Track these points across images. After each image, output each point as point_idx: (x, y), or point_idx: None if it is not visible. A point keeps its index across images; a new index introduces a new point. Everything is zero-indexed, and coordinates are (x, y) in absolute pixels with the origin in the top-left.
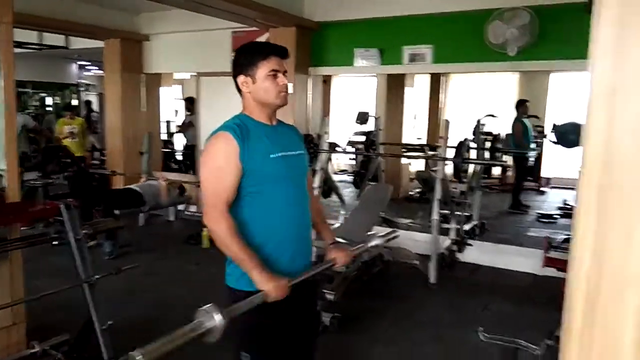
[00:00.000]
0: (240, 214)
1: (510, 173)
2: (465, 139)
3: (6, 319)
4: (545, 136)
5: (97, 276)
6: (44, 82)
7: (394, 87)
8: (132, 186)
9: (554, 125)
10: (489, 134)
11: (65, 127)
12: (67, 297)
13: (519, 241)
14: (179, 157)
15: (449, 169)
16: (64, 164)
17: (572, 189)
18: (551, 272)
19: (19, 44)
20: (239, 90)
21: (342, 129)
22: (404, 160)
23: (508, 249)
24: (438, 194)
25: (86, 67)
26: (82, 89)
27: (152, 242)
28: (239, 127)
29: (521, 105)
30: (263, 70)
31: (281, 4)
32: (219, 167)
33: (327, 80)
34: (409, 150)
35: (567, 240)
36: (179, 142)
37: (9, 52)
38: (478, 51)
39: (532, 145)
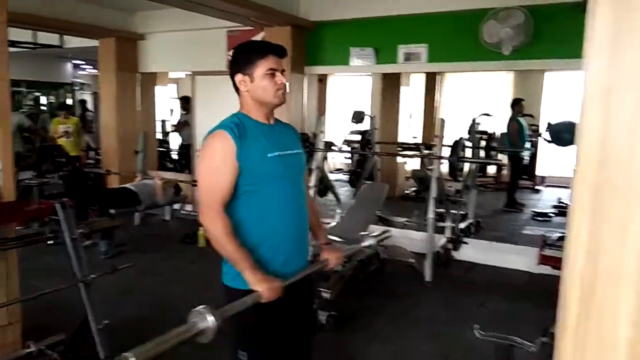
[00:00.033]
0: (237, 212)
1: (505, 172)
2: (461, 138)
3: (2, 318)
4: (540, 135)
5: (93, 275)
6: (38, 81)
7: (390, 86)
8: (127, 185)
9: (549, 124)
10: (484, 132)
11: (60, 126)
12: (62, 296)
13: (514, 239)
14: (175, 156)
15: (445, 167)
16: (59, 163)
17: (566, 187)
18: (546, 269)
19: (13, 43)
20: (237, 89)
21: (338, 128)
22: (399, 159)
23: (503, 247)
24: (434, 192)
25: (81, 67)
26: (76, 88)
27: (147, 242)
28: (237, 125)
29: (516, 104)
30: (261, 69)
31: (277, 3)
32: (216, 166)
33: (322, 79)
34: (405, 149)
35: (561, 238)
36: (175, 141)
37: (3, 51)
38: (473, 50)
39: (527, 145)
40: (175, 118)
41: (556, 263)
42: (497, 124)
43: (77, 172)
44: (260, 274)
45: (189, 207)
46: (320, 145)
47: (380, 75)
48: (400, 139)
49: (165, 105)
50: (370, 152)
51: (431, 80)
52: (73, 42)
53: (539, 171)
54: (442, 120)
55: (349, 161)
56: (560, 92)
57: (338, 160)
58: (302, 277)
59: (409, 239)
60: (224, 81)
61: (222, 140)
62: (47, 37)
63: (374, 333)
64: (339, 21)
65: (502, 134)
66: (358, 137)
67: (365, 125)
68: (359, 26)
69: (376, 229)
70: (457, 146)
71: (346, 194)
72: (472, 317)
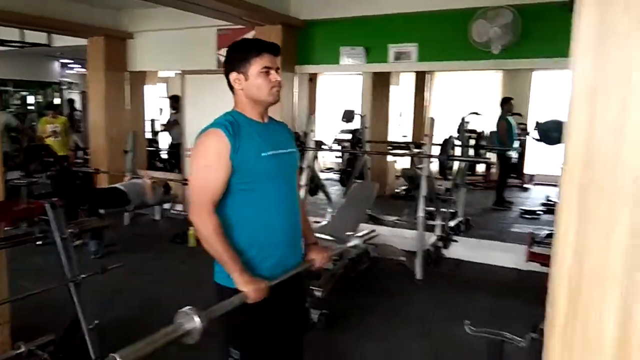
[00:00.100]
0: (229, 211)
1: (494, 170)
2: (450, 137)
3: None
4: (528, 133)
5: (83, 275)
6: (25, 80)
7: (380, 85)
8: (116, 185)
9: (537, 122)
10: (474, 131)
11: (47, 125)
12: (51, 297)
13: (502, 237)
14: (164, 155)
15: (435, 166)
16: (47, 163)
17: (554, 185)
18: (535, 266)
19: (0, 42)
20: (231, 88)
21: (328, 127)
22: (389, 158)
23: (492, 244)
24: (424, 191)
25: (69, 66)
26: (64, 87)
27: (137, 242)
28: (231, 124)
29: (506, 103)
30: (256, 67)
31: (267, 2)
32: (209, 165)
33: (313, 78)
34: (395, 148)
35: (549, 236)
36: (164, 140)
37: None
38: (462, 49)
39: (516, 143)
40: (164, 117)
41: (544, 260)
42: (487, 123)
43: (65, 171)
44: (247, 275)
45: (179, 207)
46: (310, 144)
47: (370, 74)
48: (390, 138)
49: (155, 105)
50: (361, 151)
51: (421, 80)
52: (61, 40)
53: (528, 170)
54: (432, 119)
55: (339, 160)
56: (549, 91)
57: (328, 159)
58: (289, 276)
59: (400, 237)
60: (214, 80)
61: (215, 138)
62: (35, 36)
63: (366, 331)
64: (330, 20)
65: (491, 133)
66: (348, 136)
67: (356, 124)
68: (349, 25)
69: (364, 229)
70: (447, 145)
71: (337, 193)
72: (463, 314)
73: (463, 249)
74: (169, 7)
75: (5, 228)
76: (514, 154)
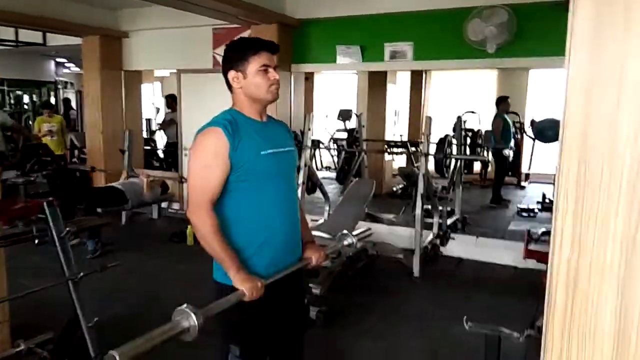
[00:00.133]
0: (228, 209)
1: (491, 169)
2: (447, 135)
3: None
4: (524, 132)
5: (82, 273)
6: (20, 79)
7: (377, 84)
8: (114, 184)
9: (532, 121)
10: (470, 130)
11: (44, 124)
12: (50, 295)
13: (500, 234)
14: (161, 154)
15: (431, 164)
16: (44, 162)
17: (551, 183)
18: (531, 264)
19: None
20: (229, 86)
21: (325, 126)
22: (386, 157)
23: (489, 242)
24: (421, 189)
25: (64, 65)
26: (60, 86)
27: (135, 241)
28: (230, 122)
29: (502, 102)
30: (254, 65)
31: (263, 1)
32: (208, 164)
33: (309, 77)
34: (392, 146)
35: (546, 233)
36: (160, 140)
37: None
38: (458, 48)
39: (512, 142)
40: (161, 117)
41: (541, 257)
42: (483, 122)
43: (62, 171)
44: (244, 274)
45: (176, 206)
46: (308, 142)
47: (366, 73)
48: (387, 137)
49: (150, 104)
50: (358, 150)
51: (417, 78)
52: (56, 40)
53: (524, 168)
54: (429, 118)
55: (336, 159)
56: (545, 90)
57: (325, 158)
58: (285, 275)
59: (397, 235)
60: (210, 79)
61: (214, 137)
62: (30, 35)
63: (364, 329)
64: (325, 19)
65: (486, 132)
66: (345, 135)
67: (353, 123)
68: (345, 24)
69: (361, 227)
70: (444, 143)
71: (334, 191)
72: (461, 311)
73: (460, 247)
74: (164, 6)
75: (3, 227)
76: (507, 152)
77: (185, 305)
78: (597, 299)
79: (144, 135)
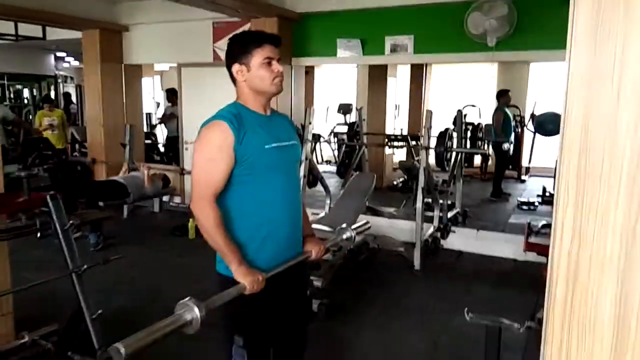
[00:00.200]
0: (231, 202)
1: (491, 162)
2: (447, 129)
3: None
4: (525, 125)
5: (86, 266)
6: (20, 73)
7: (377, 77)
8: (115, 178)
9: (532, 114)
10: (471, 124)
11: (44, 119)
12: (53, 288)
13: (500, 228)
14: (161, 149)
15: (432, 158)
16: (45, 156)
17: (551, 177)
18: (531, 257)
19: None
20: (233, 80)
21: (325, 120)
22: (387, 151)
23: (490, 235)
24: (421, 182)
25: (64, 59)
26: (60, 80)
27: (137, 234)
28: (235, 116)
29: (502, 95)
30: (258, 58)
31: None
32: (212, 157)
33: (309, 71)
34: (392, 140)
35: (546, 226)
36: (161, 133)
37: None
38: (458, 42)
39: (512, 136)
40: (161, 111)
41: (542, 250)
42: (484, 115)
43: (63, 164)
44: (245, 267)
45: (177, 199)
46: (309, 136)
47: (366, 67)
48: (387, 131)
49: (151, 98)
50: (359, 143)
51: (418, 72)
52: (56, 34)
53: (524, 162)
54: (430, 112)
55: (336, 153)
56: (547, 83)
57: (325, 152)
58: (288, 267)
59: (398, 228)
60: (210, 73)
61: (219, 130)
62: (30, 29)
63: (365, 321)
64: (326, 12)
65: (486, 125)
66: (345, 129)
67: (353, 116)
68: (345, 17)
69: (361, 220)
70: (444, 137)
71: (335, 185)
72: (461, 304)
73: (461, 240)
74: (166, 0)
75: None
76: (506, 146)
77: (188, 298)
78: (597, 290)
79: (144, 129)
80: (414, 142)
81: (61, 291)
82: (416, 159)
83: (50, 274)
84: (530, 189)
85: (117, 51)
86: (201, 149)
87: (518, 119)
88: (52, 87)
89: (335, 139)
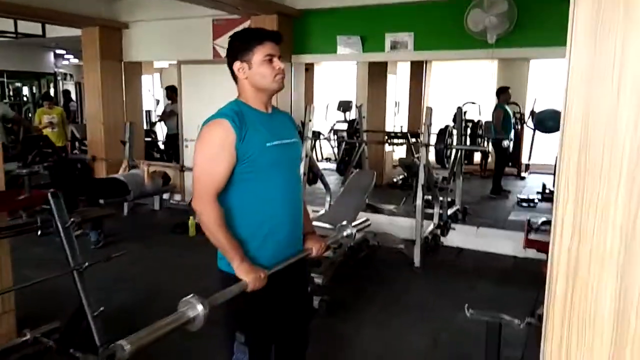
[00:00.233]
0: (232, 199)
1: (491, 159)
2: (447, 126)
3: None
4: (525, 123)
5: (88, 263)
6: (19, 71)
7: (377, 74)
8: (116, 175)
9: (532, 111)
10: (471, 121)
11: (44, 116)
12: (55, 286)
13: (500, 225)
14: (161, 146)
15: (432, 155)
16: (45, 154)
17: (551, 174)
18: (531, 253)
19: None
20: (235, 78)
21: (325, 117)
22: (387, 148)
23: (490, 232)
24: (421, 179)
25: (63, 57)
26: (59, 78)
27: (137, 232)
28: (237, 114)
29: (502, 92)
30: (259, 55)
31: None
32: (214, 155)
33: (309, 68)
34: (392, 137)
35: (546, 223)
36: (161, 131)
37: None
38: (458, 38)
39: (512, 133)
40: (160, 108)
41: (541, 246)
42: (484, 112)
43: (63, 162)
44: (247, 265)
45: (177, 197)
46: (309, 134)
47: (366, 64)
48: (387, 128)
49: (150, 95)
50: (358, 141)
51: (418, 69)
52: (55, 31)
53: (524, 159)
54: (430, 109)
55: (336, 150)
56: (546, 80)
57: (325, 149)
58: (289, 264)
59: (398, 226)
60: (210, 70)
61: (221, 128)
62: (29, 27)
63: (365, 318)
64: (326, 9)
65: (487, 122)
66: (345, 126)
67: (353, 114)
68: (345, 14)
69: (361, 217)
70: (444, 134)
71: (335, 182)
72: (461, 301)
73: (461, 237)
74: None
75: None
76: (506, 143)
77: (190, 295)
78: (597, 286)
79: (144, 127)
80: (413, 140)
81: (63, 288)
82: (416, 156)
83: (52, 271)
84: (530, 186)
85: (117, 48)
86: (203, 147)
87: (518, 116)
88: (52, 85)
89: (335, 136)
